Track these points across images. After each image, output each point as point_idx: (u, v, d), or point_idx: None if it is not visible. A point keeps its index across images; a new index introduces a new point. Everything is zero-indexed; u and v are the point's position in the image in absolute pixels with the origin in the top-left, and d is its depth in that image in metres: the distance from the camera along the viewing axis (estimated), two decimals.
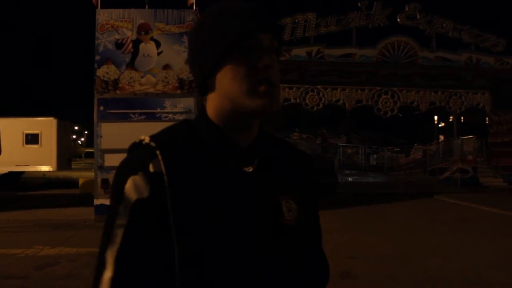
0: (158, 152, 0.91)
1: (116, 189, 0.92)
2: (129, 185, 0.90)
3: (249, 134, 1.00)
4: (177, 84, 10.70)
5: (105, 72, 10.93)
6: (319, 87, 23.29)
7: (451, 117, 26.64)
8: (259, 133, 1.02)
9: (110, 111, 10.64)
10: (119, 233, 0.88)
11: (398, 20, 22.95)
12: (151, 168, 0.91)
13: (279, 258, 0.96)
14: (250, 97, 0.93)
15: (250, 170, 0.97)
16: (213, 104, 0.99)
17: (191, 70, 1.04)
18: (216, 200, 0.91)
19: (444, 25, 23.20)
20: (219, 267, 0.89)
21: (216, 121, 0.98)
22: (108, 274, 0.87)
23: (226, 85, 0.95)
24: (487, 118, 24.24)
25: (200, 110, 1.03)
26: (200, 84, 1.00)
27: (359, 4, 22.68)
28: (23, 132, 18.40)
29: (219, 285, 0.89)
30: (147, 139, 0.95)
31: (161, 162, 0.90)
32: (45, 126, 18.66)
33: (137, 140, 0.97)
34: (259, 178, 0.98)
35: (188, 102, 10.45)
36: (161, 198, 0.89)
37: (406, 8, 22.94)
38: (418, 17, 23.02)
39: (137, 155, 0.94)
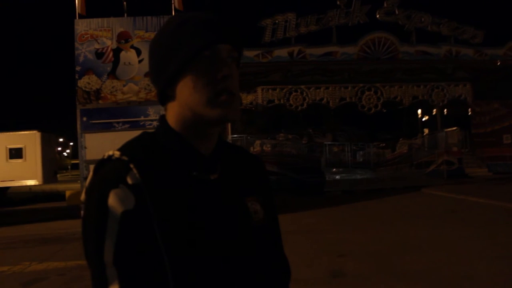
0: (132, 166, 0.91)
1: (97, 205, 0.89)
2: (112, 199, 0.88)
3: (210, 142, 1.03)
4: None
5: (86, 82, 10.85)
6: (302, 87, 23.35)
7: (434, 110, 26.87)
8: (218, 141, 1.05)
9: (94, 121, 10.56)
10: (111, 247, 0.87)
11: (377, 16, 23.10)
12: (129, 181, 0.90)
13: (251, 259, 1.00)
14: (210, 107, 0.95)
15: (216, 177, 1.00)
16: (173, 113, 1.01)
17: (151, 79, 1.07)
18: (190, 209, 0.93)
19: (423, 19, 23.40)
20: (200, 272, 0.91)
21: (178, 130, 1.00)
22: (115, 287, 0.86)
23: (187, 95, 0.97)
24: (469, 109, 24.49)
25: (161, 120, 1.04)
26: (160, 93, 1.03)
27: (338, 2, 22.79)
28: (6, 147, 18.12)
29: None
30: (117, 154, 0.94)
31: (137, 175, 0.91)
32: (29, 139, 18.38)
33: (105, 156, 0.96)
34: (224, 184, 1.01)
35: None
36: (145, 208, 0.89)
37: (385, 4, 23.10)
38: (397, 12, 23.19)
39: (110, 170, 0.93)
